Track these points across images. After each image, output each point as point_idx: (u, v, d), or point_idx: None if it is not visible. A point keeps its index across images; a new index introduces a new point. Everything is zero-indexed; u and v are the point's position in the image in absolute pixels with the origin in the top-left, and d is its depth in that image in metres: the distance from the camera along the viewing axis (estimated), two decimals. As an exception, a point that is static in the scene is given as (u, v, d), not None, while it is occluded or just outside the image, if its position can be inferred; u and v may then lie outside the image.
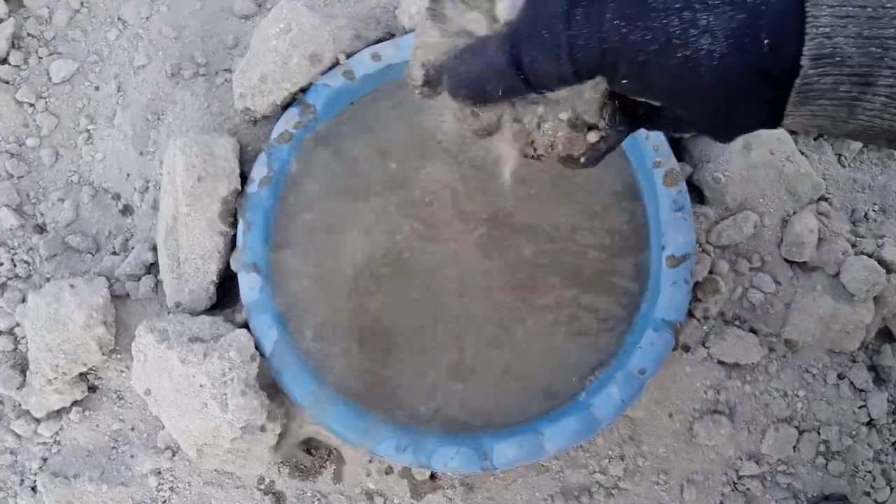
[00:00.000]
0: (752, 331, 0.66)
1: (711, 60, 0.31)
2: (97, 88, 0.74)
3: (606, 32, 0.32)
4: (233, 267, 0.63)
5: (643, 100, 0.36)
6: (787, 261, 0.68)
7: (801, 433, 0.65)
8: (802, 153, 0.69)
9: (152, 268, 0.68)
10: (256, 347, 0.60)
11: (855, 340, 0.66)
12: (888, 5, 0.29)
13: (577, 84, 0.35)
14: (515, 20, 0.34)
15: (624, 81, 0.34)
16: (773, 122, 0.34)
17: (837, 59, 0.30)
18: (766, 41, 0.31)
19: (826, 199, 0.70)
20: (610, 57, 0.33)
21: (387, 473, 0.64)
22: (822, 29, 0.30)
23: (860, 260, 0.65)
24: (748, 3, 0.31)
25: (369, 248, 0.64)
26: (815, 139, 0.70)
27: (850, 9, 0.30)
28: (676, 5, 0.31)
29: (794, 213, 0.68)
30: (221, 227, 0.64)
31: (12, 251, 0.69)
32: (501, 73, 0.35)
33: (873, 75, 0.30)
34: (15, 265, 0.69)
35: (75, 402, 0.66)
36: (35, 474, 0.65)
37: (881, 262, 0.65)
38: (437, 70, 0.37)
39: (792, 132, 0.36)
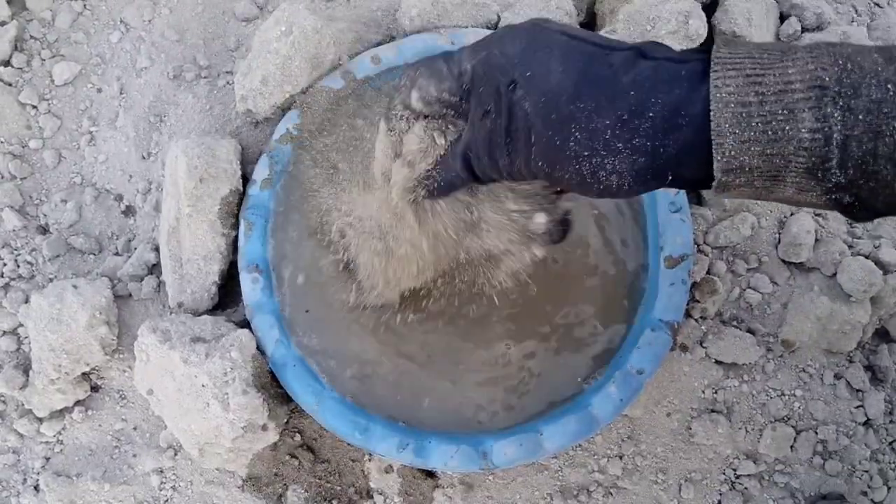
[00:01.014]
0: (750, 331, 0.67)
1: (621, 188, 0.37)
2: (100, 90, 0.74)
3: (534, 169, 0.40)
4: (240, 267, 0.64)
5: None
6: (784, 262, 0.68)
7: (798, 433, 0.66)
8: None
9: (154, 268, 0.68)
10: (258, 347, 0.60)
11: (852, 341, 0.66)
12: (786, 128, 0.33)
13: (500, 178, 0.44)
14: (465, 143, 0.43)
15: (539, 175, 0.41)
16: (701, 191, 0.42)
17: (747, 169, 0.34)
18: (668, 175, 0.37)
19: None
20: (540, 177, 0.40)
21: (386, 472, 0.64)
22: (727, 153, 0.34)
23: (857, 261, 0.65)
24: (647, 148, 0.36)
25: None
26: None
27: (752, 134, 0.33)
28: (585, 153, 0.37)
29: (792, 214, 0.69)
30: (223, 228, 0.64)
31: (15, 252, 0.70)
32: (463, 179, 0.45)
33: (781, 176, 0.34)
34: (18, 266, 0.69)
35: (78, 402, 0.66)
36: (38, 473, 0.66)
37: (878, 263, 0.66)
38: (419, 180, 0.47)
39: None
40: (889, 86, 0.31)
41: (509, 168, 0.41)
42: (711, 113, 0.34)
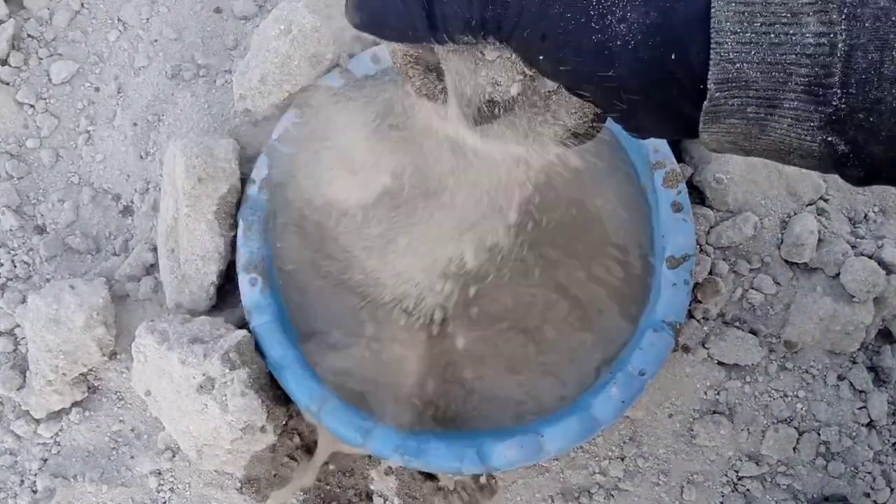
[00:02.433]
0: (752, 332, 0.66)
1: (626, 48, 0.32)
2: (97, 90, 0.74)
3: (526, 1, 0.33)
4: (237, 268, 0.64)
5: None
6: (786, 262, 0.68)
7: (800, 434, 0.65)
8: (802, 154, 0.69)
9: (152, 269, 0.68)
10: (256, 348, 0.60)
11: (855, 341, 0.66)
12: (790, 32, 0.30)
13: (481, 44, 0.35)
14: None
15: (540, 58, 0.34)
16: (689, 134, 0.35)
17: (742, 83, 0.31)
18: (672, 53, 0.32)
19: (826, 200, 0.70)
20: (526, 23, 0.33)
21: (386, 474, 0.64)
22: (725, 55, 0.31)
23: (860, 261, 0.65)
24: (661, 4, 0.32)
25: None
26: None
27: (753, 35, 0.31)
28: None
29: (795, 214, 0.68)
30: (221, 228, 0.64)
31: (12, 252, 0.70)
32: (408, 9, 0.34)
33: (778, 98, 0.31)
34: (15, 266, 0.69)
35: (75, 403, 0.66)
36: (35, 475, 0.65)
37: (881, 263, 0.65)
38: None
39: (712, 150, 0.37)
40: None
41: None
42: (712, 10, 0.31)
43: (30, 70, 0.74)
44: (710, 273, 0.66)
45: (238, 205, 0.65)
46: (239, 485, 0.64)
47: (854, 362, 0.67)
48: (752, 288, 0.67)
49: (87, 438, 0.66)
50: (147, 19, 0.75)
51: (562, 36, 0.33)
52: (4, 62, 0.74)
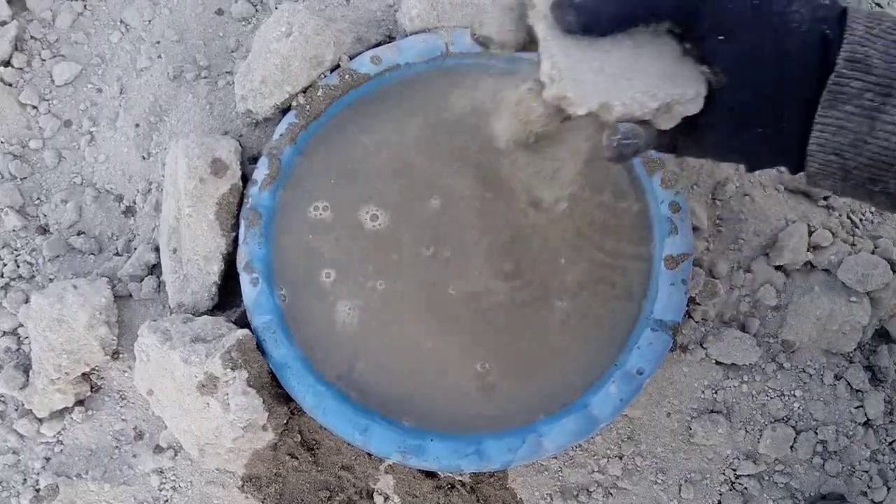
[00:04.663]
0: (750, 332, 0.67)
1: (801, 26, 0.38)
2: (100, 91, 0.74)
3: None
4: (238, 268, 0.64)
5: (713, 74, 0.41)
6: (785, 263, 0.68)
7: (798, 433, 0.66)
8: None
9: (155, 268, 0.68)
10: (258, 347, 0.60)
11: (852, 341, 0.66)
12: None
13: (677, 21, 0.40)
14: None
15: (720, 38, 0.39)
16: (794, 158, 0.40)
17: (866, 65, 0.36)
18: (826, 29, 0.38)
19: (824, 199, 0.70)
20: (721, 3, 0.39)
21: (386, 472, 0.64)
22: (856, 38, 0.37)
23: (858, 256, 0.65)
24: (819, 6, 0.39)
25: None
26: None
27: (881, 28, 0.37)
28: None
29: (793, 213, 0.69)
30: (223, 228, 0.64)
31: (15, 252, 0.70)
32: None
33: (894, 87, 0.36)
34: (18, 266, 0.69)
35: (78, 402, 0.66)
36: (38, 474, 0.66)
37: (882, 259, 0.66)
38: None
39: (813, 174, 0.41)
40: None
41: None
42: (849, 11, 0.38)
43: (33, 71, 0.75)
44: (709, 274, 0.67)
45: (240, 205, 0.65)
46: (240, 483, 0.64)
47: (851, 362, 0.68)
48: (750, 288, 0.67)
49: (90, 437, 0.67)
50: (149, 21, 0.75)
51: (747, 11, 0.39)
52: (7, 63, 0.74)
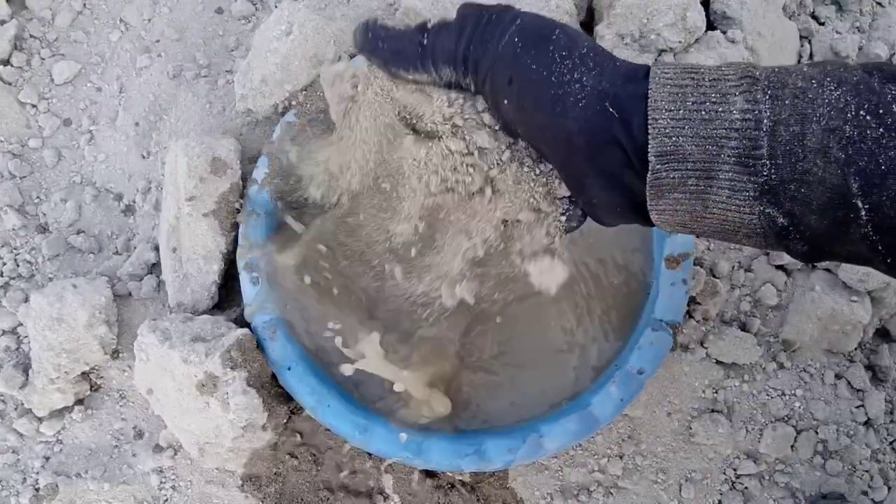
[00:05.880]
0: (750, 331, 0.67)
1: (577, 105, 0.36)
2: (99, 90, 0.74)
3: (505, 48, 0.38)
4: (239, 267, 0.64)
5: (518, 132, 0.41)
6: (784, 262, 0.68)
7: (798, 432, 0.66)
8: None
9: (154, 268, 0.68)
10: (258, 346, 0.60)
11: (852, 340, 0.66)
12: (719, 109, 0.34)
13: (462, 80, 0.41)
14: (439, 23, 0.41)
15: (505, 101, 0.39)
16: (641, 215, 0.38)
17: (680, 155, 0.35)
18: (617, 121, 0.36)
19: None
20: (499, 66, 0.38)
21: (386, 472, 0.64)
22: (662, 129, 0.35)
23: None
24: (612, 79, 0.37)
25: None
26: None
27: (686, 112, 0.34)
28: (563, 52, 0.37)
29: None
30: (223, 227, 0.64)
31: (15, 251, 0.70)
32: (408, 40, 0.42)
33: (714, 169, 0.34)
34: (18, 265, 0.69)
35: (77, 402, 0.66)
36: (37, 473, 0.66)
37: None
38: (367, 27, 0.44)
39: (669, 231, 0.41)
40: (813, 81, 0.33)
41: (467, 43, 0.40)
42: (650, 91, 0.35)
43: (32, 70, 0.74)
44: (710, 274, 0.67)
45: (239, 204, 0.65)
46: (240, 482, 0.64)
47: (852, 361, 0.68)
48: (751, 288, 0.67)
49: (90, 436, 0.67)
50: (149, 20, 0.75)
51: (525, 83, 0.37)
52: (7, 62, 0.74)
